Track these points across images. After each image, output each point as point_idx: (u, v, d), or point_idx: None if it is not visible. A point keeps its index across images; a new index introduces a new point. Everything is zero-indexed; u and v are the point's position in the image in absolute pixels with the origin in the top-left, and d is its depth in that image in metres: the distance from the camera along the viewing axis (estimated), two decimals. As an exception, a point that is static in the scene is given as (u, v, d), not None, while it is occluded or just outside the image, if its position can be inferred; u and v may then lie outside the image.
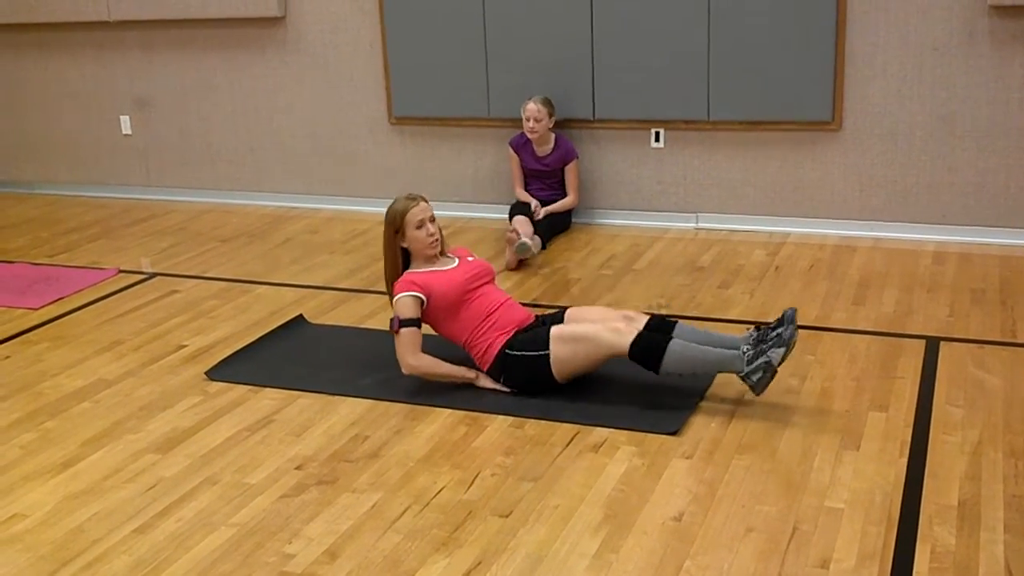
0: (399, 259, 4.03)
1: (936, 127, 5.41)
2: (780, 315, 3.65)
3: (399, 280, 3.94)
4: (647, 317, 3.84)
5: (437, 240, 3.97)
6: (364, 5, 6.36)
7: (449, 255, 4.08)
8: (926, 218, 5.53)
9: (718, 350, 3.63)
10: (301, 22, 6.57)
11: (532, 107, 5.75)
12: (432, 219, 3.97)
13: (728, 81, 5.67)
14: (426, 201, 4.00)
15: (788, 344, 3.52)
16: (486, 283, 3.99)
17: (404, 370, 3.89)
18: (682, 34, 5.67)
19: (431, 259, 4.00)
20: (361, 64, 6.48)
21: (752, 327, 3.70)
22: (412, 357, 3.86)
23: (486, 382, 3.89)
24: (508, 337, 3.83)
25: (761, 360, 3.52)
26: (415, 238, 3.95)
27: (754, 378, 3.55)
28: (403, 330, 3.84)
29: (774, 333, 3.57)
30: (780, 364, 3.52)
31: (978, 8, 5.17)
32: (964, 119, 5.35)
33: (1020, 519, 2.92)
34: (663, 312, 4.58)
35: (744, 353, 3.56)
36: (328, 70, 6.59)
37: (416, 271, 3.97)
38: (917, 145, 5.47)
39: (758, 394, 3.59)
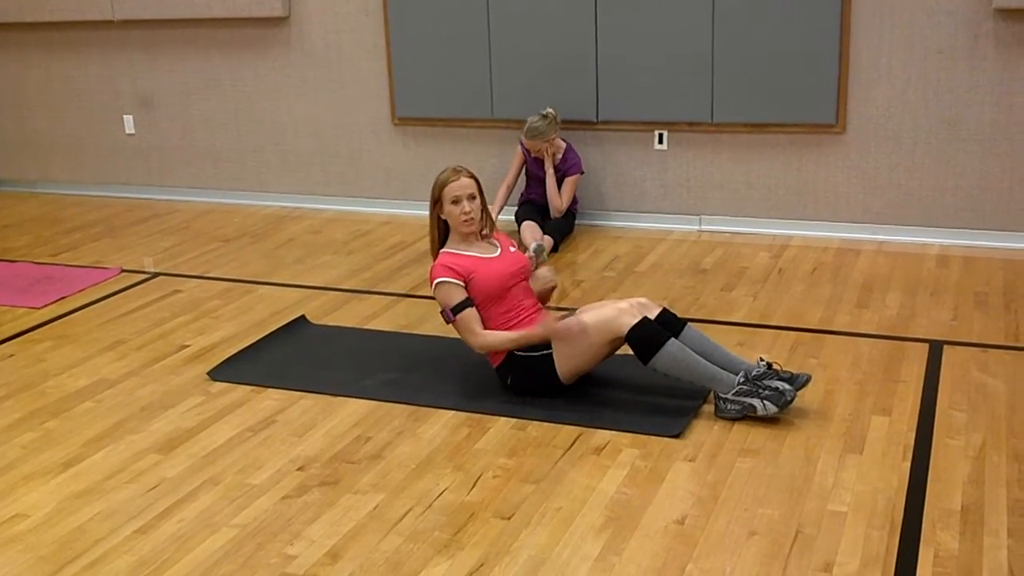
0: (436, 230, 3.95)
1: (940, 130, 5.40)
2: (795, 373, 3.62)
3: (437, 262, 3.85)
4: (660, 308, 3.80)
5: (472, 220, 3.85)
6: (368, 6, 6.36)
7: (493, 240, 3.98)
8: (930, 221, 5.52)
9: (713, 367, 3.60)
10: (305, 22, 6.57)
11: (536, 145, 5.71)
12: (471, 197, 3.84)
13: (732, 83, 5.66)
14: (472, 178, 3.88)
15: (782, 407, 3.52)
16: (523, 280, 3.92)
17: (476, 350, 3.83)
18: (686, 36, 5.67)
19: (468, 238, 3.90)
20: (365, 65, 6.48)
21: (764, 361, 3.63)
22: (477, 337, 3.79)
23: (551, 323, 3.71)
24: None
25: (748, 401, 3.54)
26: (450, 213, 3.85)
27: (728, 407, 3.58)
28: (458, 317, 3.79)
29: (777, 384, 3.54)
30: (761, 415, 3.54)
31: (983, 11, 5.17)
32: (968, 122, 5.34)
33: (1023, 524, 2.91)
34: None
35: (739, 383, 3.55)
36: (331, 70, 6.59)
37: (456, 252, 3.86)
38: (921, 148, 5.46)
39: (717, 417, 3.60)
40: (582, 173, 5.85)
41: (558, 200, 5.76)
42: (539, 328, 3.73)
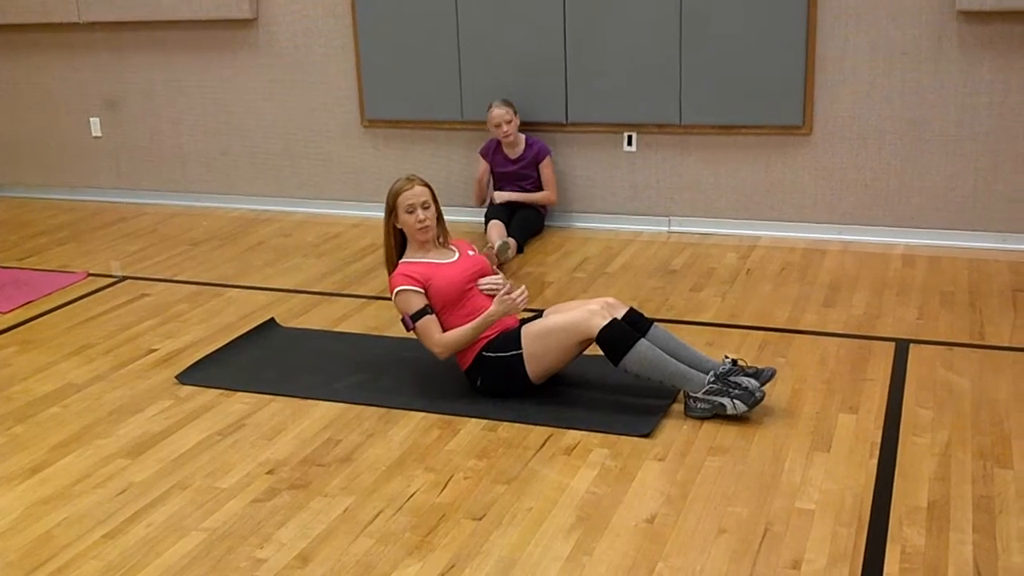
0: (393, 239, 3.95)
1: (905, 131, 5.45)
2: (760, 368, 3.66)
3: (396, 271, 3.86)
4: (627, 308, 3.82)
5: (427, 228, 3.86)
6: (336, 8, 6.34)
7: (450, 247, 3.99)
8: (895, 221, 5.57)
9: (683, 367, 3.61)
10: (273, 24, 6.54)
11: (498, 112, 5.76)
12: (425, 205, 3.85)
13: (700, 85, 5.69)
14: (425, 185, 3.89)
15: (751, 406, 3.54)
16: None
17: (438, 355, 3.83)
18: (654, 38, 5.69)
19: (425, 246, 3.91)
20: (333, 67, 6.47)
21: (729, 358, 3.66)
22: (438, 343, 3.79)
23: (505, 298, 3.75)
24: (489, 339, 3.82)
25: (718, 400, 3.55)
26: (405, 222, 3.87)
27: (698, 406, 3.59)
28: (417, 324, 3.80)
29: (746, 383, 3.55)
30: (730, 414, 3.55)
31: (946, 13, 5.22)
32: (933, 123, 5.39)
33: (989, 520, 2.94)
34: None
35: (709, 382, 3.57)
36: (300, 73, 6.57)
37: (413, 260, 3.88)
38: (887, 149, 5.51)
39: (687, 416, 3.61)
40: (550, 153, 5.92)
41: (545, 196, 5.89)
42: (495, 305, 3.74)
